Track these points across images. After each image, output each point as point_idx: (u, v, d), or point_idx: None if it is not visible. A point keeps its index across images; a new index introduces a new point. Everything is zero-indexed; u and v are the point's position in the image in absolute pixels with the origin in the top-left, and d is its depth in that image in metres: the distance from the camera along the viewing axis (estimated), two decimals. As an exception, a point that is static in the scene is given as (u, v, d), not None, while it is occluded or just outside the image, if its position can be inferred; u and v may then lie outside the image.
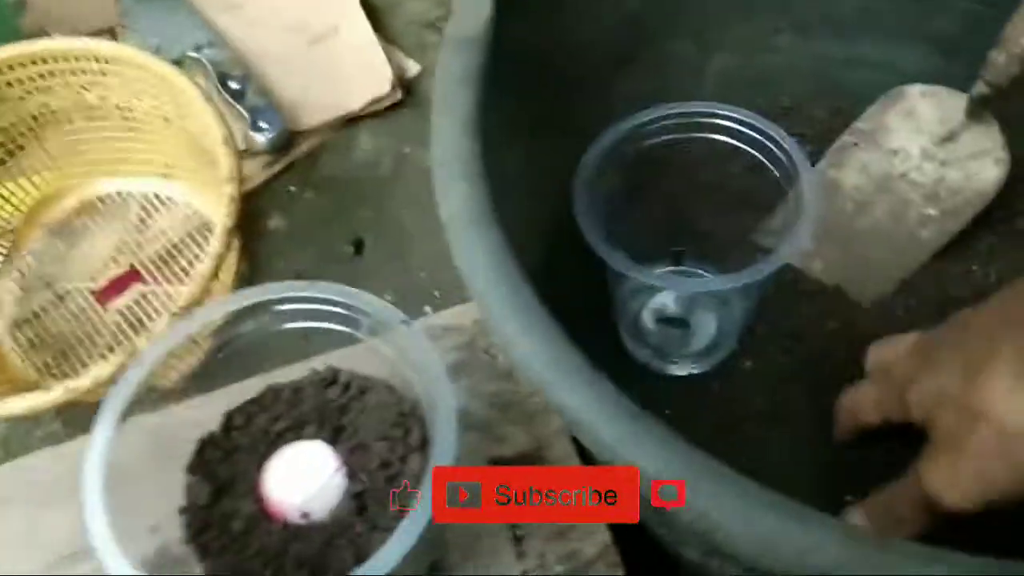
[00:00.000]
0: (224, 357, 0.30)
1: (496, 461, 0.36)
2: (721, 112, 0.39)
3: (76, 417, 0.50)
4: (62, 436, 0.49)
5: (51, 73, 0.51)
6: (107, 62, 0.50)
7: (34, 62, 0.50)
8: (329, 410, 0.29)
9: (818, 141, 0.47)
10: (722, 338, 0.43)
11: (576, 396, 0.24)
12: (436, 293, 0.54)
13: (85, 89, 0.52)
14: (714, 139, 0.40)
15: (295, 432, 0.29)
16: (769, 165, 0.39)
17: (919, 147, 0.44)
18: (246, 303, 0.28)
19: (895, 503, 0.31)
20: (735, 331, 0.43)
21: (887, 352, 0.36)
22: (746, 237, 0.44)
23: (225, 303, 0.28)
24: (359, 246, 0.56)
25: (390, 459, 0.28)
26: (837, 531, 0.21)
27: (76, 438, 0.39)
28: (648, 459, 0.23)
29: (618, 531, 0.35)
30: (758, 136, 0.39)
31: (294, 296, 0.28)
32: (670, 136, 0.40)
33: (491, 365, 0.38)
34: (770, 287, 0.42)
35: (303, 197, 0.58)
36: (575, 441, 0.36)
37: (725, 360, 0.43)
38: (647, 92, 0.42)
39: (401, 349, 0.28)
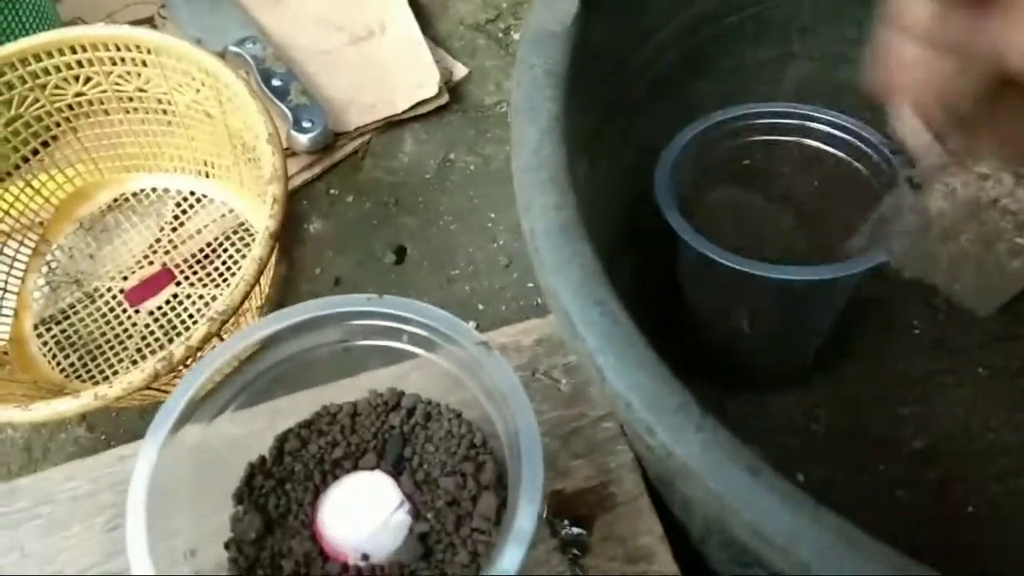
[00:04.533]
0: (274, 376, 0.27)
1: (556, 496, 0.33)
2: (812, 114, 0.38)
3: (100, 421, 0.48)
4: (85, 441, 0.47)
5: (89, 62, 0.49)
6: (149, 52, 0.48)
7: (73, 49, 0.48)
8: (391, 438, 0.26)
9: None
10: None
11: (683, 442, 0.21)
12: (480, 306, 0.51)
13: (124, 79, 0.50)
14: (802, 142, 0.38)
15: (352, 460, 0.26)
16: (862, 169, 0.37)
17: (1013, 172, 0.41)
18: (303, 318, 0.25)
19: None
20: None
21: None
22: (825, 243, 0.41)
23: (280, 318, 0.25)
24: (401, 254, 0.53)
25: (459, 497, 0.25)
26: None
27: (99, 452, 0.37)
28: (767, 520, 0.20)
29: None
30: (851, 139, 0.36)
31: (359, 311, 0.25)
32: (755, 137, 0.39)
33: (553, 389, 0.36)
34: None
35: (344, 201, 0.55)
36: (645, 477, 0.34)
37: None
38: (721, 97, 0.40)
39: (474, 372, 0.25)
